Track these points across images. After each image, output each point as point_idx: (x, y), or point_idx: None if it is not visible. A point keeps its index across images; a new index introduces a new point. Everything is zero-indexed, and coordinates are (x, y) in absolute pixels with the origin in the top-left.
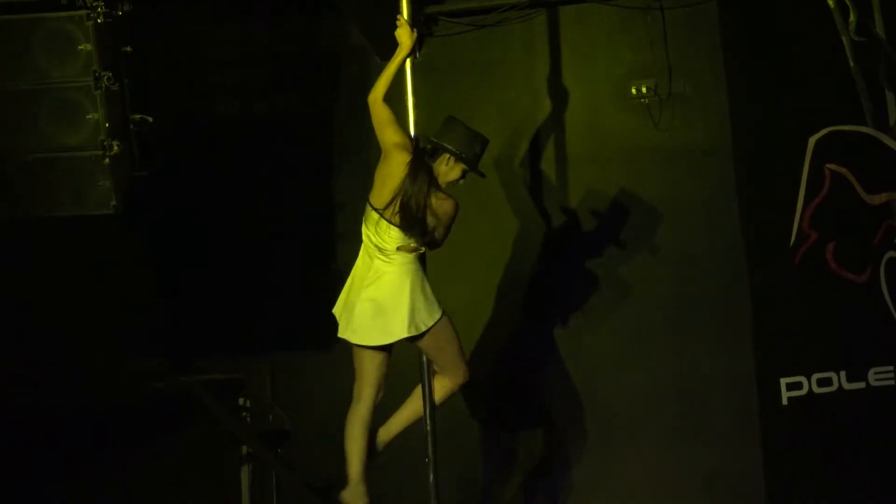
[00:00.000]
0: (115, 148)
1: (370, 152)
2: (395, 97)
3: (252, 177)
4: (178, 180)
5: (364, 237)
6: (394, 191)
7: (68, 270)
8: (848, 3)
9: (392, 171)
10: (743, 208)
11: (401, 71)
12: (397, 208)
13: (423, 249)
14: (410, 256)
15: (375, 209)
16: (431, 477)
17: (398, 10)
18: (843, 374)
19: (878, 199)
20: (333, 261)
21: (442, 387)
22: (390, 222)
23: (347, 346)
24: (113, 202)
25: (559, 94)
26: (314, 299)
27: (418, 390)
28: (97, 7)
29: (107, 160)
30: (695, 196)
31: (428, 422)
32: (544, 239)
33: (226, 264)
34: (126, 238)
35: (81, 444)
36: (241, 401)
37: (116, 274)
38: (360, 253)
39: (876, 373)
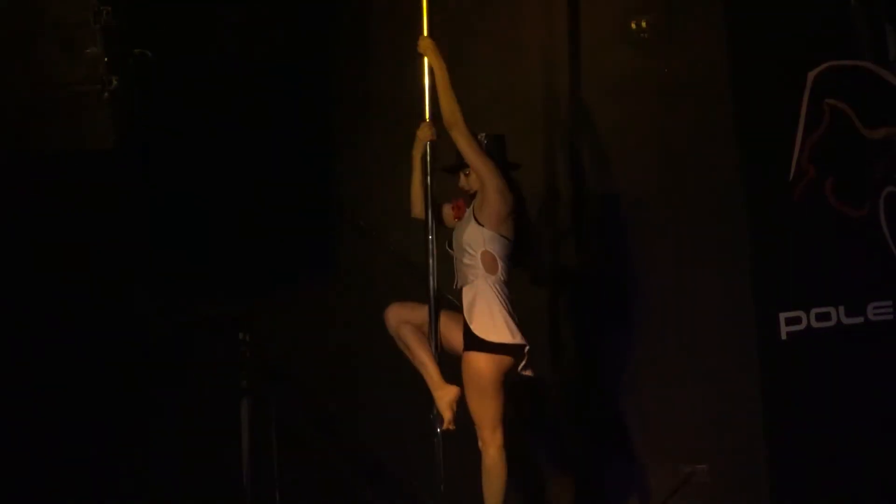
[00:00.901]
0: (114, 82)
1: (371, 83)
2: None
3: (251, 113)
4: (178, 117)
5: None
6: None
7: (66, 207)
8: None
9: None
10: (741, 144)
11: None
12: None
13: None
14: None
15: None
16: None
17: None
18: (841, 308)
19: (877, 134)
20: (333, 199)
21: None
22: None
23: (347, 286)
24: (112, 137)
25: (558, 31)
26: (314, 236)
27: None
28: None
29: (106, 95)
30: (693, 132)
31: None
32: (546, 176)
33: (225, 202)
34: (124, 174)
35: (80, 384)
36: (240, 335)
37: (114, 211)
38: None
39: (875, 308)
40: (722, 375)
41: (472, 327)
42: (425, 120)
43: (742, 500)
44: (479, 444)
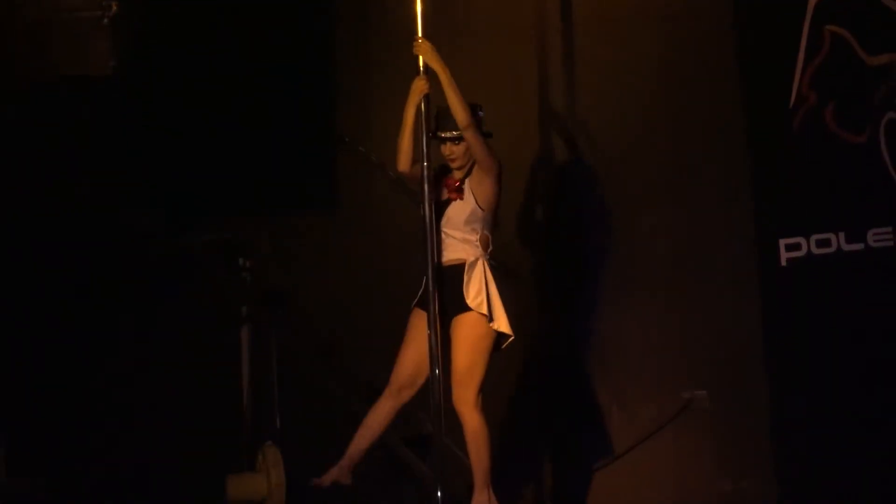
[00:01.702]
0: (114, 8)
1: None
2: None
3: (250, 40)
4: (177, 42)
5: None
6: None
7: (67, 132)
8: None
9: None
10: (742, 71)
11: None
12: None
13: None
14: None
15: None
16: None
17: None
18: (841, 235)
19: (877, 60)
20: (332, 122)
21: None
22: None
23: (347, 212)
24: (112, 63)
25: None
26: (313, 161)
27: None
28: None
29: (105, 20)
30: (695, 59)
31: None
32: (542, 103)
33: (224, 127)
34: (124, 100)
35: (80, 309)
36: (240, 261)
37: (115, 135)
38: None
39: (875, 234)
40: (722, 302)
41: (474, 304)
42: (419, 74)
43: (742, 425)
44: (462, 409)
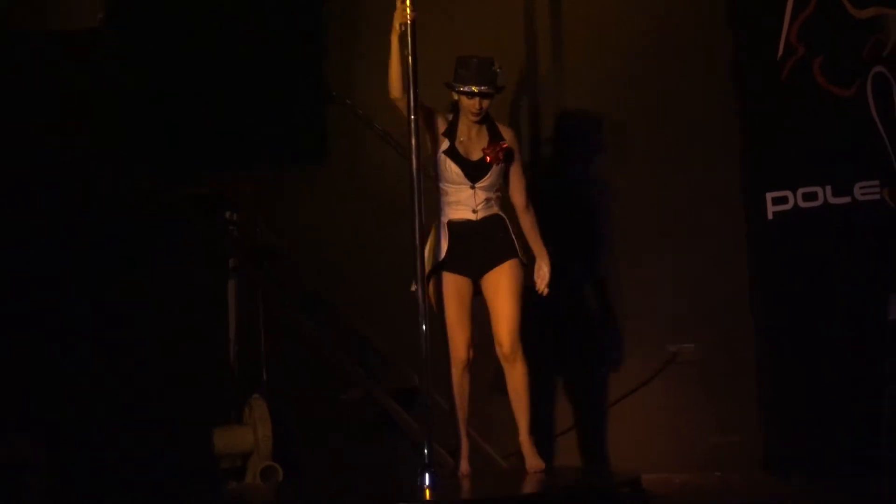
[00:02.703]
0: None
1: None
2: None
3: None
4: None
5: None
6: None
7: (53, 84)
8: None
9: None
10: (731, 23)
11: None
12: None
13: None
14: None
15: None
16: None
17: None
18: (828, 188)
19: (865, 13)
20: (319, 77)
21: None
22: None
23: (334, 166)
24: (100, 15)
25: None
26: (300, 114)
27: None
28: None
29: None
30: (683, 12)
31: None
32: (530, 61)
33: (211, 80)
34: (110, 53)
35: (64, 261)
36: (227, 214)
37: (100, 89)
38: None
39: (861, 187)
40: (709, 255)
41: (516, 246)
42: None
43: (729, 378)
44: (518, 354)
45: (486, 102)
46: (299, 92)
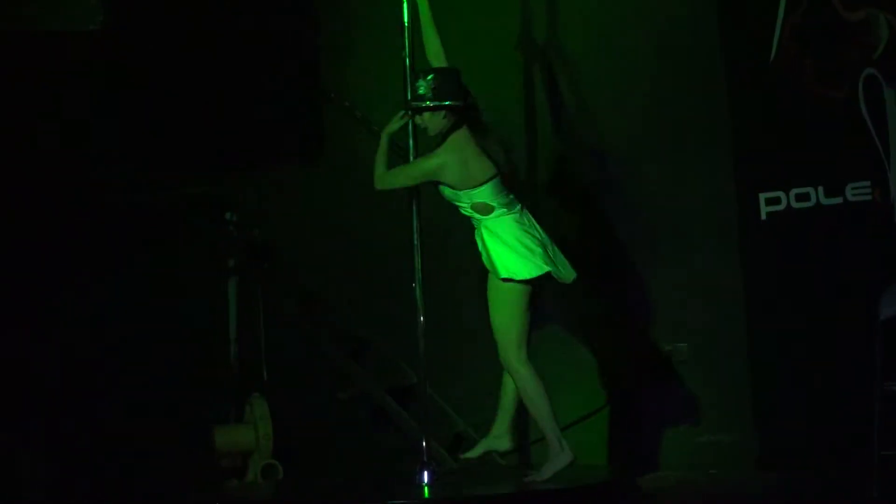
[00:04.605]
0: None
1: None
2: None
3: None
4: None
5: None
6: None
7: (53, 86)
8: None
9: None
10: (724, 26)
11: None
12: None
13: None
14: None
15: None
16: None
17: None
18: (820, 189)
19: (856, 15)
20: (317, 78)
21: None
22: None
23: (332, 166)
24: (99, 17)
25: None
26: (298, 115)
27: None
28: None
29: None
30: (676, 16)
31: None
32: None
33: (210, 81)
34: (110, 53)
35: (65, 260)
36: (227, 215)
37: (102, 87)
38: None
39: (853, 188)
40: (704, 255)
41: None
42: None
43: (722, 375)
44: (505, 367)
45: (420, 117)
46: (297, 93)
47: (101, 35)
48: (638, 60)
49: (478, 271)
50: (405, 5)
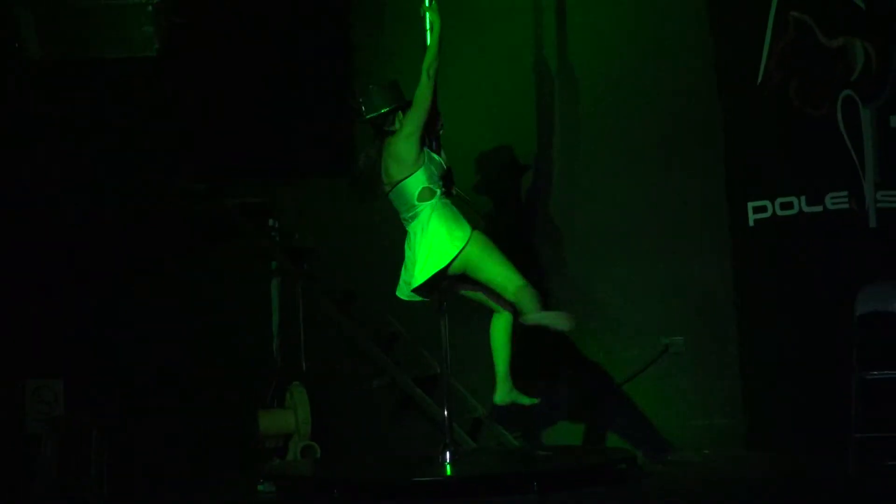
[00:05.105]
0: None
1: (382, 15)
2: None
3: (279, 33)
4: (211, 26)
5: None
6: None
7: (116, 106)
8: None
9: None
10: (717, 52)
11: None
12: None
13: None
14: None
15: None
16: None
17: None
18: (803, 198)
19: (835, 42)
20: (352, 98)
21: (502, 320)
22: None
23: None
24: (155, 45)
25: None
26: (333, 134)
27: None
28: None
29: (150, 8)
30: (672, 38)
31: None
32: (538, 83)
33: (256, 105)
34: (165, 77)
35: (134, 258)
36: (269, 221)
37: (158, 109)
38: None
39: (832, 197)
40: (698, 258)
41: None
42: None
43: (714, 365)
44: (502, 308)
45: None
46: (331, 114)
47: (157, 61)
48: (640, 81)
49: None
50: (428, 34)
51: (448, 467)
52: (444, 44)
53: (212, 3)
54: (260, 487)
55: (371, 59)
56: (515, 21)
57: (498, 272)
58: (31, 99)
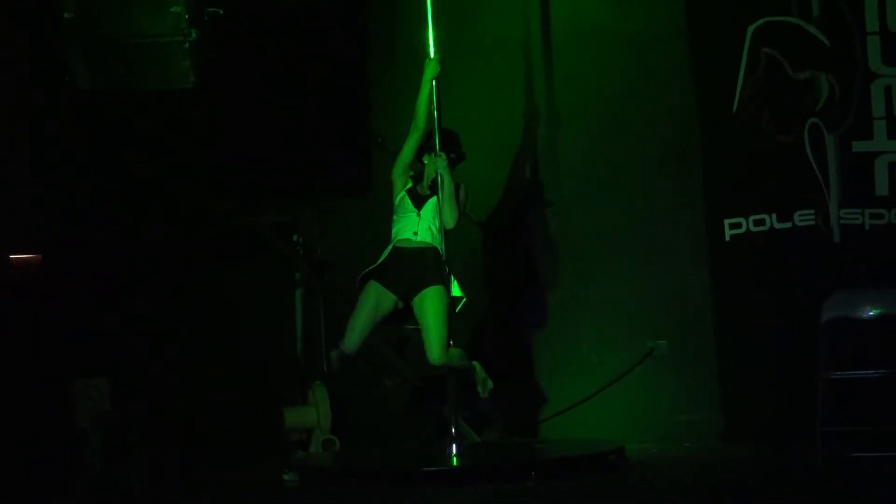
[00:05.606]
0: (194, 34)
1: (394, 48)
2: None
3: (302, 67)
4: (241, 61)
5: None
6: None
7: (155, 132)
8: None
9: None
10: (697, 85)
11: None
12: None
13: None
14: None
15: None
16: None
17: None
18: (774, 216)
19: (803, 75)
20: (368, 126)
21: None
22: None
23: (378, 197)
24: (191, 78)
25: None
26: (352, 157)
27: None
28: None
29: (186, 45)
30: (657, 74)
31: None
32: (526, 107)
33: (282, 131)
34: (200, 107)
35: (171, 271)
36: (294, 237)
37: (193, 134)
38: None
39: (800, 215)
40: (680, 269)
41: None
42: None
43: (694, 366)
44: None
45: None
46: (352, 140)
47: (193, 93)
48: (628, 111)
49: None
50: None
51: (454, 458)
52: (443, 75)
53: (242, 41)
54: (285, 477)
55: (388, 91)
56: (511, 52)
57: (437, 331)
58: (82, 126)
